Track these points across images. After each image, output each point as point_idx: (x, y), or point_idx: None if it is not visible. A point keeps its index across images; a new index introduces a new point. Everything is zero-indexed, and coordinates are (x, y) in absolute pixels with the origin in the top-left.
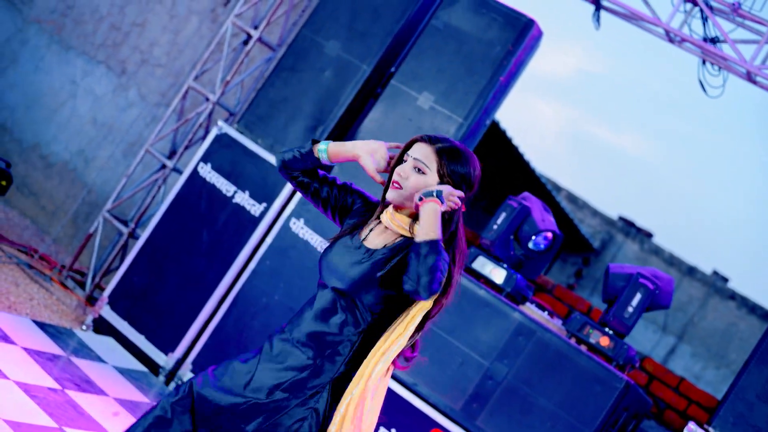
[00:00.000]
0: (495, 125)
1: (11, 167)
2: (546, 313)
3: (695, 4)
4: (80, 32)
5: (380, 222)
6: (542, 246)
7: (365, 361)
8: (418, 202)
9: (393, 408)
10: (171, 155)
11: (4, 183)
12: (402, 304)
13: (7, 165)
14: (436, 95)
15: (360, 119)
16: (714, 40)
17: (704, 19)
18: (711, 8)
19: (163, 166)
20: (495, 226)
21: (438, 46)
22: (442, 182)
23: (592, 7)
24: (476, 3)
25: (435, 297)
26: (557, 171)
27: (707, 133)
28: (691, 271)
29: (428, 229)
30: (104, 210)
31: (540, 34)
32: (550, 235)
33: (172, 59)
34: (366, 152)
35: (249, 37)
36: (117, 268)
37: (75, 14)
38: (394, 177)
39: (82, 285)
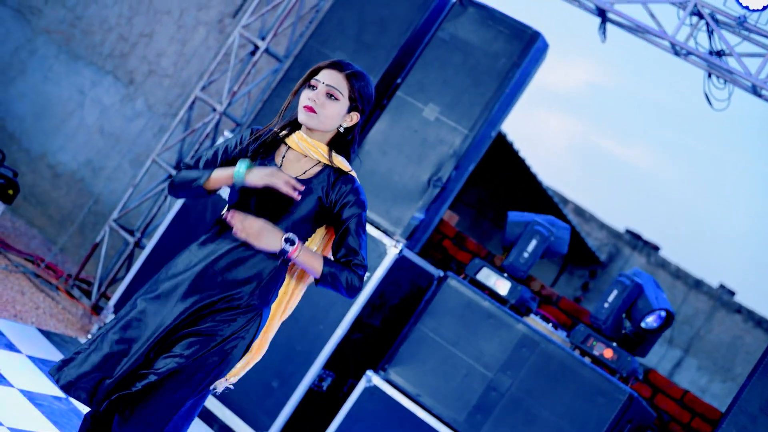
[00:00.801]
0: (501, 137)
1: (19, 176)
2: (550, 324)
3: (701, 17)
4: (88, 43)
5: (290, 148)
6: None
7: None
8: (285, 256)
9: (396, 418)
10: (177, 165)
11: (11, 192)
12: (322, 220)
13: (15, 174)
14: (441, 107)
15: (366, 130)
16: (720, 54)
17: (710, 33)
18: (717, 22)
19: (170, 176)
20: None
21: (444, 57)
22: (351, 105)
23: (598, 20)
24: (482, 15)
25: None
26: (564, 183)
27: (713, 146)
28: (697, 285)
29: (313, 266)
30: (111, 219)
31: (546, 46)
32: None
33: (179, 70)
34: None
35: (256, 48)
36: (123, 277)
37: (83, 25)
38: (307, 103)
39: (88, 294)
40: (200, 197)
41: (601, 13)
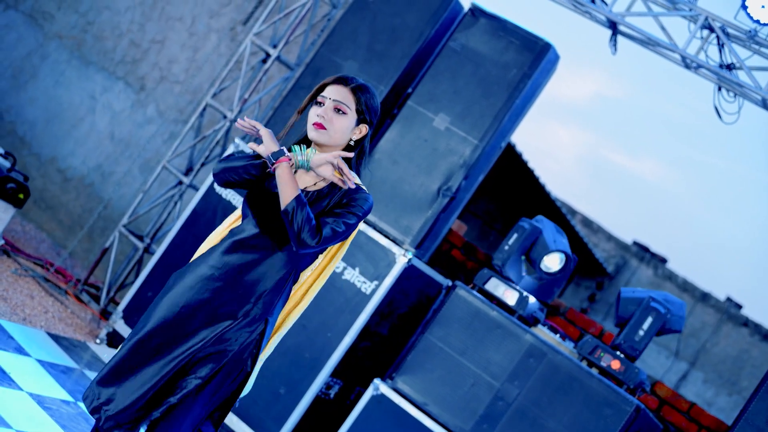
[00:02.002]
0: (511, 148)
1: (29, 181)
2: (558, 335)
3: (712, 30)
4: (100, 48)
5: None
6: (554, 268)
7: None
8: (270, 166)
9: (403, 427)
10: (187, 172)
11: (21, 196)
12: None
13: (25, 178)
14: (452, 117)
15: (376, 140)
16: (730, 67)
17: (720, 46)
18: (727, 35)
19: (180, 183)
20: (506, 247)
21: (455, 68)
22: (359, 118)
23: (609, 32)
24: (494, 26)
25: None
26: (572, 195)
27: (722, 159)
28: (704, 297)
29: (285, 192)
30: (120, 225)
31: (557, 57)
32: (563, 256)
33: (190, 76)
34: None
35: (267, 55)
36: (132, 282)
37: (95, 30)
38: (315, 119)
39: (96, 299)
40: (249, 177)
41: (612, 25)
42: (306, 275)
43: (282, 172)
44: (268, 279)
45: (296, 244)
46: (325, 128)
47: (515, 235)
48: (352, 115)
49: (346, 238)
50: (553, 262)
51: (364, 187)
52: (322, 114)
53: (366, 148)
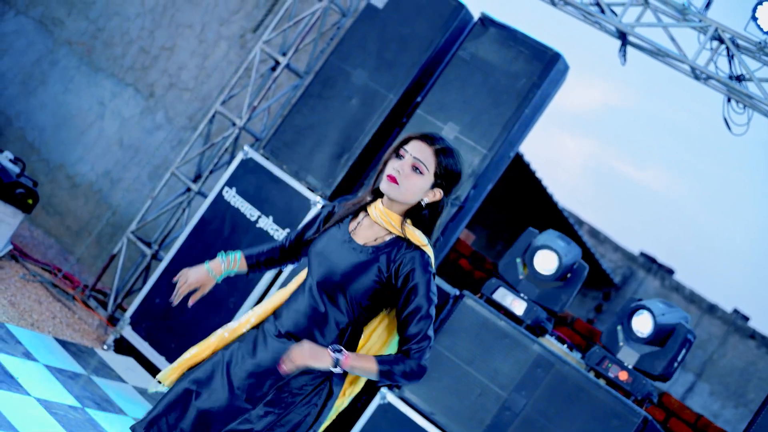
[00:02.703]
0: (519, 158)
1: (38, 186)
2: (566, 345)
3: (721, 42)
4: (110, 55)
5: (368, 215)
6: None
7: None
8: (339, 366)
9: None
10: (196, 179)
11: (30, 201)
12: (384, 300)
13: (34, 184)
14: (461, 126)
15: (385, 148)
16: (739, 78)
17: (730, 57)
18: (737, 46)
19: (188, 189)
20: (508, 253)
21: (464, 77)
22: (436, 182)
23: (618, 43)
24: (503, 35)
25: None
26: (580, 205)
27: (731, 170)
28: (711, 309)
29: (369, 375)
30: (128, 231)
31: (566, 67)
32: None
33: (199, 83)
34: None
35: (277, 63)
36: (139, 289)
37: (105, 37)
38: (391, 171)
39: (104, 305)
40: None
41: (622, 35)
42: (368, 329)
43: (353, 364)
44: (327, 333)
45: (413, 382)
46: (397, 183)
47: (516, 243)
48: (429, 177)
49: (433, 329)
50: (546, 262)
51: (428, 250)
52: (398, 168)
53: (440, 212)
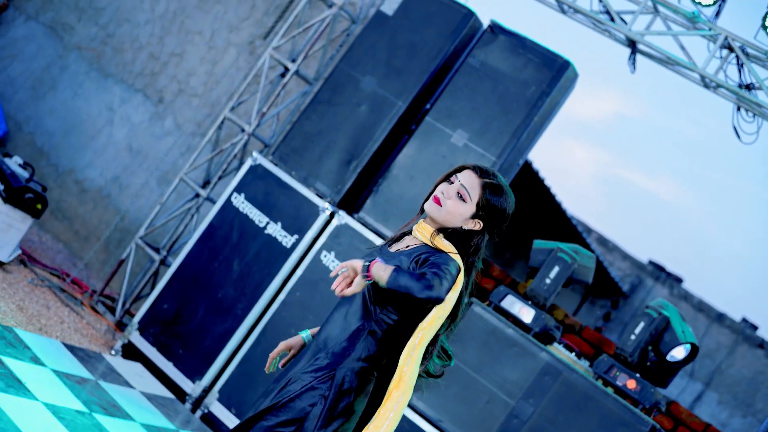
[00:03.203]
0: (528, 165)
1: (47, 191)
2: (574, 354)
3: (731, 50)
4: (119, 60)
5: (410, 234)
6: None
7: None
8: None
9: None
10: (205, 185)
11: (39, 206)
12: (419, 308)
13: (43, 189)
14: (470, 133)
15: (394, 155)
16: (749, 87)
17: (740, 66)
18: (747, 55)
19: (197, 195)
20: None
21: (473, 84)
22: (478, 213)
23: (628, 51)
24: (513, 43)
25: (442, 296)
26: (588, 213)
27: (739, 180)
28: (720, 318)
29: (382, 280)
30: (137, 237)
31: (576, 75)
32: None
33: (208, 90)
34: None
35: (286, 70)
36: (147, 294)
37: (115, 42)
38: (437, 193)
39: (112, 310)
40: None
41: (632, 44)
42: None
43: (376, 273)
44: (342, 331)
45: (427, 289)
46: (440, 205)
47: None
48: (471, 206)
49: (452, 282)
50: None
51: (456, 257)
52: (444, 192)
53: (479, 245)
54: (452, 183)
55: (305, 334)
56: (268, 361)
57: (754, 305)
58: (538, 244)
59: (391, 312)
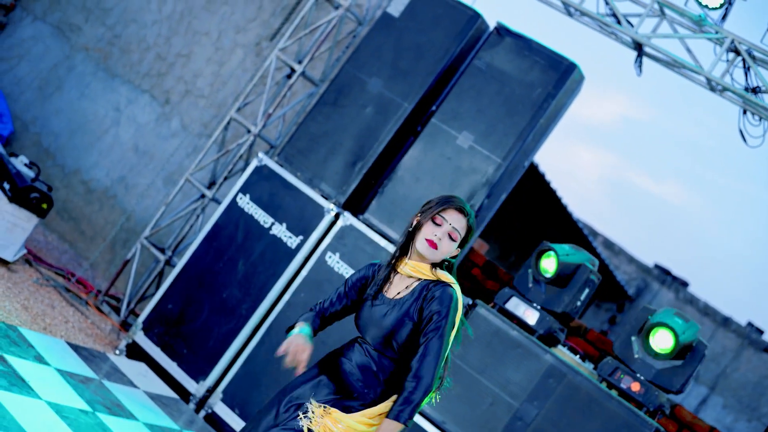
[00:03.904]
0: (534, 168)
1: (53, 191)
2: (578, 356)
3: (738, 53)
4: (126, 61)
5: (398, 273)
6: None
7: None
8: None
9: None
10: (210, 185)
11: (45, 206)
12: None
13: (49, 189)
14: (475, 135)
15: (399, 156)
16: (755, 90)
17: (746, 69)
18: (753, 58)
19: (202, 196)
20: (578, 303)
21: (479, 86)
22: (460, 244)
23: (634, 54)
24: (519, 45)
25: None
26: (594, 216)
27: (746, 184)
28: (725, 322)
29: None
30: (142, 237)
31: (582, 77)
32: None
33: (215, 91)
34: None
35: (292, 71)
36: (152, 294)
37: (122, 43)
38: (431, 237)
39: (117, 310)
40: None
41: (638, 46)
42: None
43: None
44: (380, 376)
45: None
46: (436, 248)
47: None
48: (458, 242)
49: (452, 326)
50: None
51: (454, 286)
52: (439, 236)
53: (455, 264)
54: (440, 225)
55: (307, 331)
56: (289, 357)
57: (760, 309)
58: (563, 255)
59: (407, 345)
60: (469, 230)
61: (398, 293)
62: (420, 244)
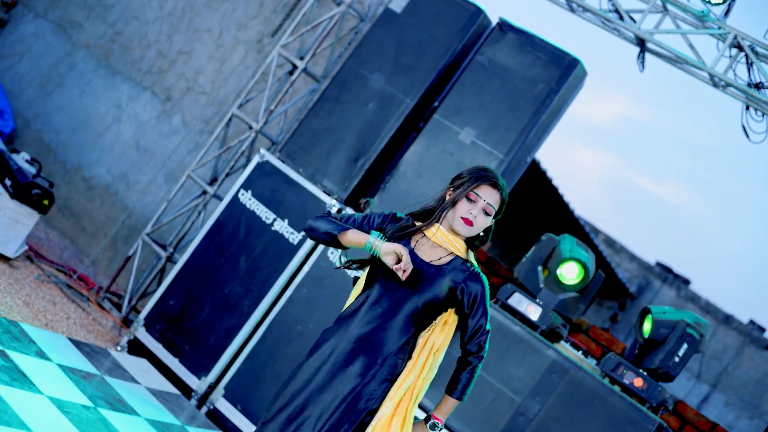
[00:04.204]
0: (536, 165)
1: (54, 188)
2: (581, 352)
3: (741, 49)
4: (127, 58)
5: (425, 236)
6: (572, 277)
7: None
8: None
9: None
10: (212, 182)
11: (46, 202)
12: (443, 310)
13: (50, 185)
14: (477, 131)
15: (401, 152)
16: (758, 86)
17: (749, 65)
18: (756, 54)
19: (204, 192)
20: (524, 260)
21: (481, 82)
22: (495, 218)
23: (636, 50)
24: (521, 41)
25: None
26: (596, 215)
27: (747, 183)
28: (727, 320)
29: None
30: (143, 233)
31: (584, 73)
32: (578, 265)
33: (216, 87)
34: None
35: (294, 67)
36: (154, 291)
37: (123, 40)
38: (466, 215)
39: (118, 307)
40: (330, 246)
41: (641, 42)
42: (425, 335)
43: (444, 417)
44: (393, 343)
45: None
46: (472, 225)
47: (534, 248)
48: (491, 215)
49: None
50: (569, 272)
51: (482, 273)
52: (474, 213)
53: (489, 236)
54: (474, 201)
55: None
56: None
57: (762, 307)
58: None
59: (432, 316)
60: (503, 203)
61: (438, 258)
62: (457, 223)
